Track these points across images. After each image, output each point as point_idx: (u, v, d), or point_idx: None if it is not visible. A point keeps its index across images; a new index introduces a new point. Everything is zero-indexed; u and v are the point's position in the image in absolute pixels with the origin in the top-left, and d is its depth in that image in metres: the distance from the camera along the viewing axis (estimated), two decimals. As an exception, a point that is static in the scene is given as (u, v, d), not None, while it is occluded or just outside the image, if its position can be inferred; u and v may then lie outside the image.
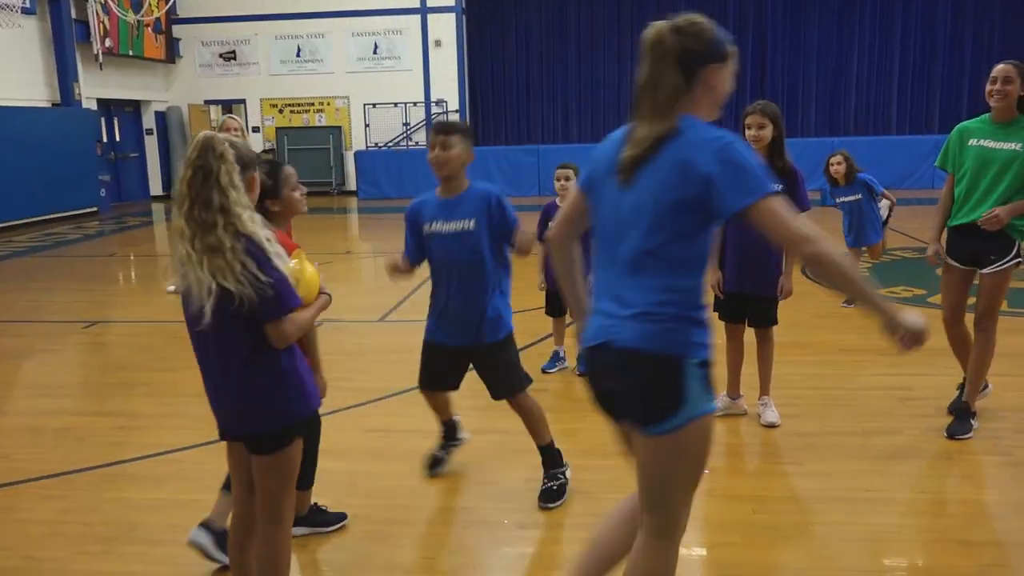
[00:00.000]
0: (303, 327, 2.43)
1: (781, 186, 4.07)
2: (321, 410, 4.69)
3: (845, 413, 4.55)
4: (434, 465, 3.93)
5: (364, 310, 7.19)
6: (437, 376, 3.74)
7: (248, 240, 2.25)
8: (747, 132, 4.25)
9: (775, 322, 4.51)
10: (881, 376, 5.13)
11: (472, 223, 3.46)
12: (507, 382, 3.59)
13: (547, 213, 5.06)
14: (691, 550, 3.17)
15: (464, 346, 3.56)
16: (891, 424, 4.36)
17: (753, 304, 4.44)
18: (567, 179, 5.00)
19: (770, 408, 4.48)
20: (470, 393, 5.13)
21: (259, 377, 2.36)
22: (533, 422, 3.64)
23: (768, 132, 4.23)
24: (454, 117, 18.98)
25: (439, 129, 3.55)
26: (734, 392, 4.62)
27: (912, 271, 8.38)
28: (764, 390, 4.54)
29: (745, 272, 4.32)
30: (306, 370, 2.52)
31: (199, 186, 2.25)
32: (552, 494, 3.59)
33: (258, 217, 2.34)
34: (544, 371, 5.33)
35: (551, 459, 3.66)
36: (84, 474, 3.99)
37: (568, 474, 3.67)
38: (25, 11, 13.89)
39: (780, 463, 3.96)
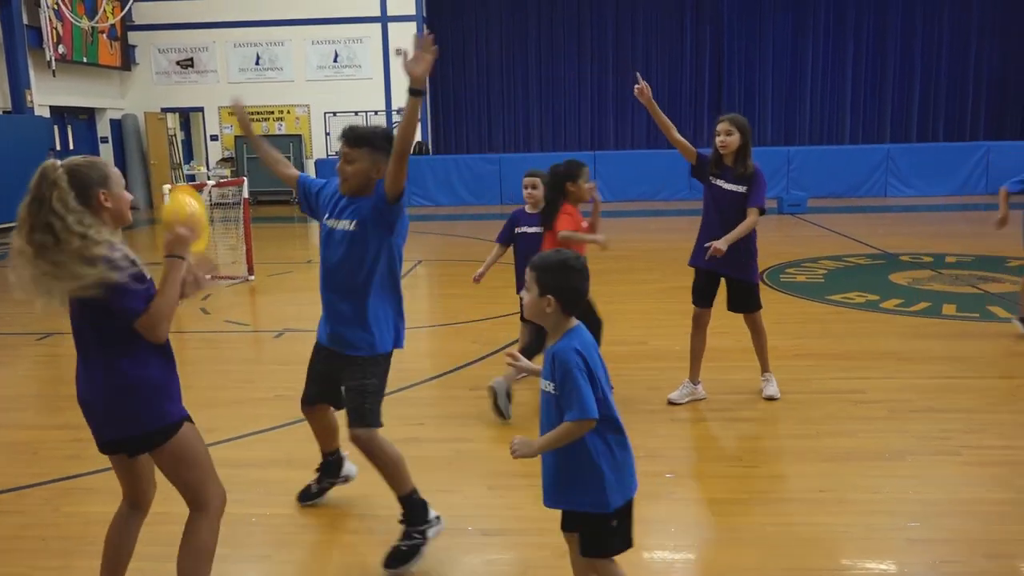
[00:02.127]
0: (161, 316, 2.41)
1: (744, 187, 4.60)
2: (281, 422, 4.70)
3: (800, 416, 4.65)
4: (306, 497, 3.69)
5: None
6: (316, 385, 3.43)
7: (83, 259, 2.33)
8: (716, 138, 4.65)
9: (759, 306, 4.88)
10: (835, 380, 5.25)
11: (354, 224, 3.22)
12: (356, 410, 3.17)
13: (514, 219, 5.12)
14: (652, 553, 3.22)
15: (333, 350, 3.24)
16: (844, 426, 4.47)
17: (734, 288, 4.82)
18: (534, 187, 5.02)
19: (771, 384, 4.92)
20: (432, 401, 5.17)
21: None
22: (386, 468, 3.18)
23: (735, 139, 4.63)
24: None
25: (343, 138, 3.28)
26: (695, 378, 4.90)
27: (865, 277, 8.57)
28: (765, 367, 4.99)
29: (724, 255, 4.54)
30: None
31: (35, 212, 2.40)
32: (399, 556, 3.10)
33: (96, 235, 2.40)
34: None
35: (412, 513, 3.18)
36: (40, 488, 3.92)
37: (430, 533, 3.18)
38: (-25, 17, 13.59)
39: (737, 465, 4.04)
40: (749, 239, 4.68)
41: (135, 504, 2.72)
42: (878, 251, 10.10)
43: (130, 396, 2.46)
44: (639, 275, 8.89)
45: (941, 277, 8.43)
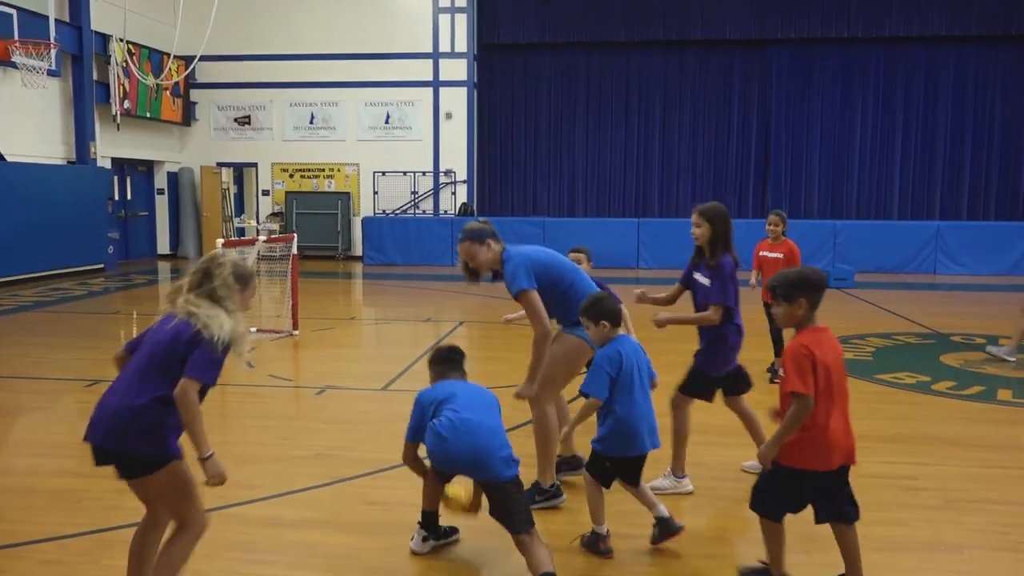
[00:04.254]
0: (190, 407, 2.88)
1: (705, 277, 4.59)
2: (321, 481, 4.68)
3: (850, 501, 4.49)
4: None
5: (367, 378, 7.16)
6: None
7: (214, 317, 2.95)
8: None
9: (701, 396, 4.72)
10: (886, 464, 5.09)
11: None
12: None
13: None
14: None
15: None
16: (896, 515, 4.31)
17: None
18: (578, 263, 5.06)
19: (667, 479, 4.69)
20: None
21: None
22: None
23: (703, 231, 4.58)
24: (462, 187, 19.28)
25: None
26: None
27: (915, 357, 8.37)
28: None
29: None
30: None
31: (199, 280, 3.06)
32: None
33: (235, 309, 3.04)
34: None
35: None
36: (81, 539, 3.94)
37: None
38: (51, 73, 14.25)
39: (787, 552, 3.90)
40: (720, 333, 4.55)
41: (155, 519, 3.13)
42: (928, 330, 9.88)
43: (154, 421, 2.90)
44: (679, 344, 8.79)
45: (995, 360, 8.19)
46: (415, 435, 3.69)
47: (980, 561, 3.82)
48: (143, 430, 2.89)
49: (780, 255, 7.25)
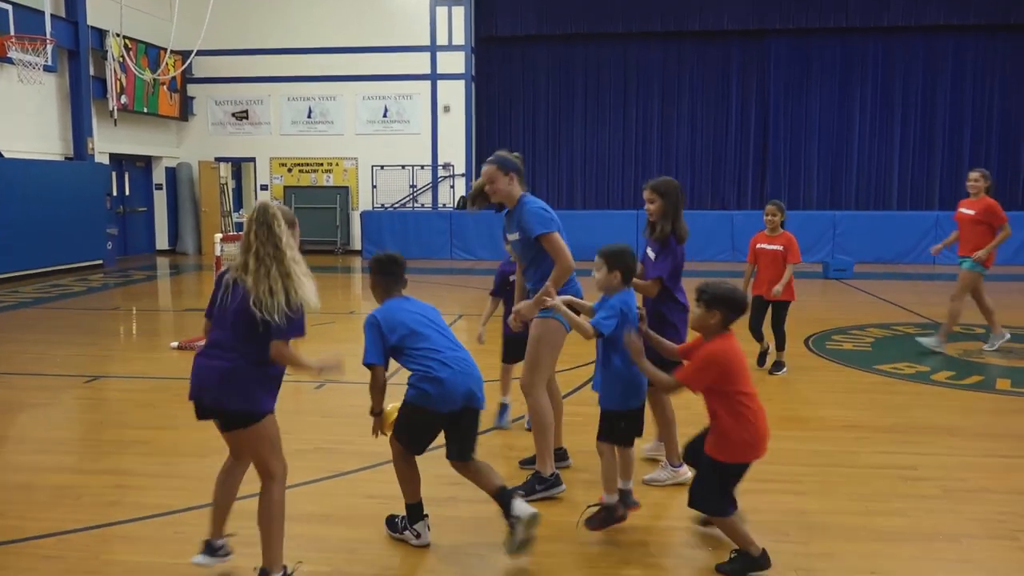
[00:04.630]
0: (290, 359, 3.23)
1: (653, 251, 4.65)
2: (322, 475, 4.69)
3: (849, 491, 4.51)
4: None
5: (366, 372, 7.15)
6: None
7: (287, 277, 3.18)
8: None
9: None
10: (885, 454, 5.10)
11: None
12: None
13: (503, 271, 5.58)
14: (695, 631, 3.11)
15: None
16: (895, 504, 4.32)
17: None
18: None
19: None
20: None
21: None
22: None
23: (657, 206, 4.67)
24: (460, 181, 19.25)
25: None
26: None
27: (914, 347, 8.37)
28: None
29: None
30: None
31: (264, 236, 3.20)
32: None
33: (299, 256, 3.28)
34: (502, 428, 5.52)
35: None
36: (82, 534, 3.95)
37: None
38: (47, 68, 14.22)
39: (785, 541, 3.91)
40: (658, 309, 4.53)
41: (237, 458, 3.50)
42: (927, 320, 9.89)
43: (244, 381, 3.20)
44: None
45: (994, 350, 8.20)
46: (381, 357, 3.69)
47: (979, 550, 3.83)
48: (234, 390, 3.18)
49: (779, 247, 7.01)
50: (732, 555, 3.61)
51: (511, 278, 5.27)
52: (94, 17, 16.10)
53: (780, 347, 7.20)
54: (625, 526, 3.98)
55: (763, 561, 3.53)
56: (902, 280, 14.19)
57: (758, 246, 7.18)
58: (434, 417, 3.69)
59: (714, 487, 3.56)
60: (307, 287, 3.20)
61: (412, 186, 19.36)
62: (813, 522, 4.11)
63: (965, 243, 7.97)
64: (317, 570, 3.62)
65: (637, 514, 4.07)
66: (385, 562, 3.70)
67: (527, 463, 4.69)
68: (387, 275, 3.87)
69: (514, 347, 5.37)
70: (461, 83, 19.08)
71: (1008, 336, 8.13)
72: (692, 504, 3.66)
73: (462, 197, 19.13)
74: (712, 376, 3.48)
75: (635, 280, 4.28)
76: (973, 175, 7.81)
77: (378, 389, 3.75)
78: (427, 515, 3.87)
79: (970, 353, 8.07)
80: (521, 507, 3.59)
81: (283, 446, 3.91)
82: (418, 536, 3.82)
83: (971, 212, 7.71)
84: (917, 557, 3.75)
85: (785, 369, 7.18)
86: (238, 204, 20.85)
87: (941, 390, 6.71)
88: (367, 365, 3.68)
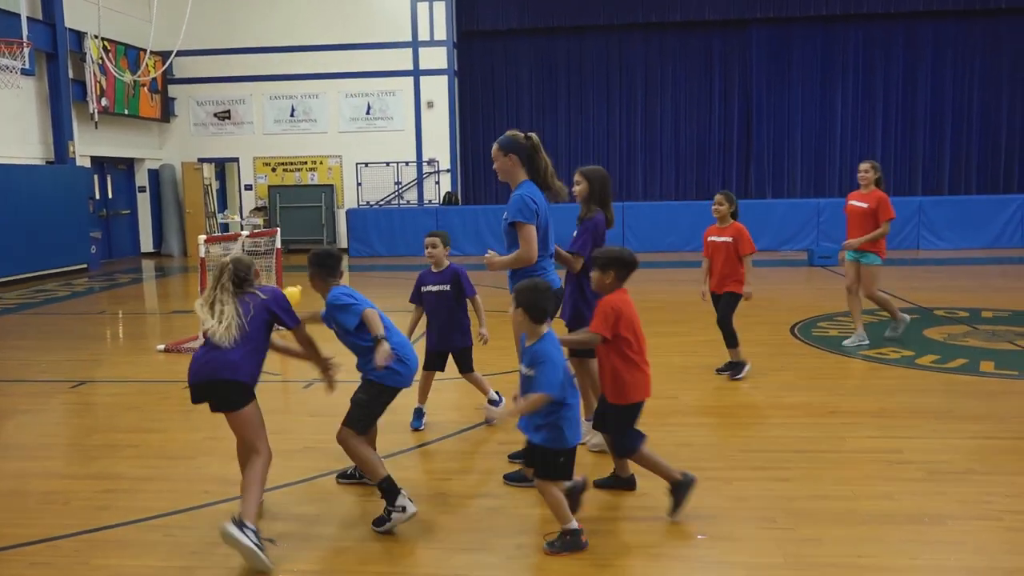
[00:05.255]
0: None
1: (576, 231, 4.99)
2: (311, 474, 4.69)
3: (835, 476, 4.55)
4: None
5: (354, 370, 7.15)
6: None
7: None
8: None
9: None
10: (871, 439, 5.15)
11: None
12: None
13: (421, 280, 5.58)
14: (685, 619, 3.14)
15: None
16: (881, 488, 4.36)
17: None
18: (433, 247, 5.48)
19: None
20: (458, 456, 5.14)
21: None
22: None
23: (583, 188, 5.12)
24: (446, 177, 19.22)
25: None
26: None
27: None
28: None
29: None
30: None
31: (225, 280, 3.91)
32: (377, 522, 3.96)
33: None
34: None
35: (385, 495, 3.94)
36: (71, 540, 3.93)
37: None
38: (25, 72, 14.08)
39: (772, 527, 3.95)
40: (579, 282, 4.83)
41: (246, 446, 3.87)
42: (912, 305, 9.96)
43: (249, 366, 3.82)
44: (668, 327, 8.85)
45: (978, 333, 8.28)
46: (367, 301, 4.05)
47: (964, 531, 3.87)
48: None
49: (729, 239, 6.56)
50: (669, 489, 4.02)
51: (423, 288, 5.52)
52: (72, 19, 15.96)
53: (730, 344, 6.68)
54: (616, 515, 4.00)
55: (687, 483, 4.02)
56: (887, 266, 14.24)
57: (709, 239, 6.76)
58: (393, 395, 4.04)
59: (624, 430, 4.08)
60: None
61: (397, 183, 19.32)
62: (800, 508, 4.14)
63: (854, 236, 7.67)
64: (308, 569, 3.62)
65: (630, 504, 4.09)
66: (376, 560, 3.71)
67: (516, 457, 4.71)
68: (323, 267, 4.16)
69: (436, 360, 5.55)
70: (444, 78, 19.05)
71: (866, 339, 7.82)
72: (619, 454, 4.20)
73: (448, 192, 19.11)
74: (613, 321, 3.95)
75: (560, 251, 4.87)
76: (864, 166, 7.56)
77: (378, 320, 3.96)
78: (402, 489, 3.91)
79: (954, 336, 8.14)
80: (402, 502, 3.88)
81: (273, 446, 3.91)
82: (404, 510, 3.86)
83: (864, 205, 7.41)
84: (903, 540, 3.78)
85: (746, 369, 6.67)
86: (223, 205, 20.75)
87: (926, 374, 6.77)
88: (363, 312, 3.95)
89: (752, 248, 6.60)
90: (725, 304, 6.65)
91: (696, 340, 8.01)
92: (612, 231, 5.24)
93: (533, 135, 4.80)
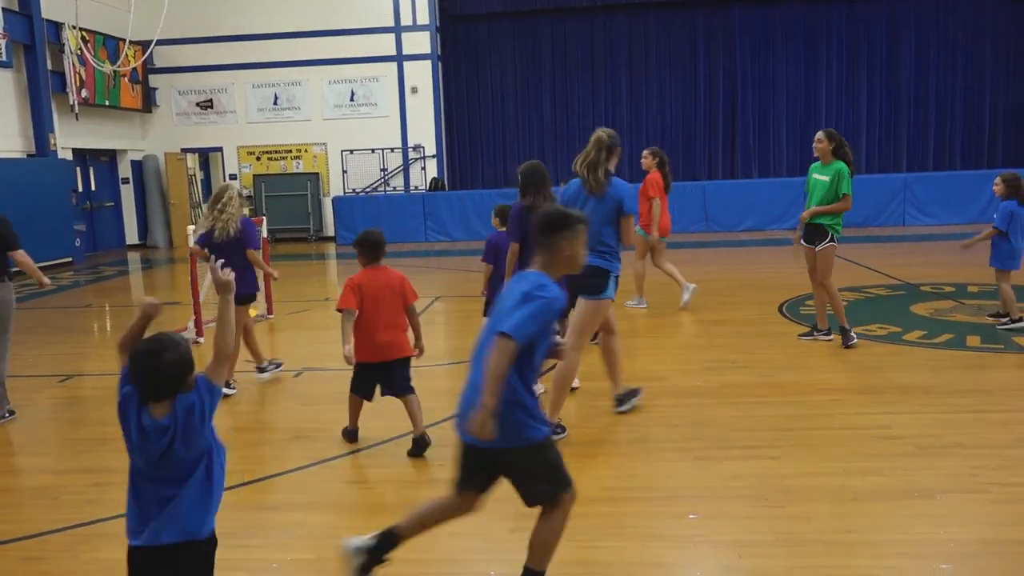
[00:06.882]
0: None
1: None
2: (303, 462, 4.68)
3: (825, 453, 4.58)
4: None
5: (342, 358, 7.14)
6: None
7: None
8: None
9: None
10: (859, 415, 5.18)
11: None
12: None
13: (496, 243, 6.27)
14: (677, 598, 3.16)
15: None
16: (870, 464, 4.39)
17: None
18: None
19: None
20: (452, 441, 5.13)
21: None
22: None
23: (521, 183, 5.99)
24: (432, 162, 19.13)
25: None
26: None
27: (886, 309, 8.48)
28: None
29: None
30: None
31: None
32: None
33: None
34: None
35: None
36: (61, 534, 3.92)
37: None
38: (2, 64, 13.91)
39: (762, 505, 3.97)
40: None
41: None
42: (898, 281, 10.02)
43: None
44: (656, 309, 8.86)
45: (964, 308, 8.33)
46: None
47: (953, 504, 3.91)
48: None
49: (826, 178, 6.95)
50: (415, 437, 4.69)
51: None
52: (48, 10, 15.71)
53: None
54: (606, 496, 4.01)
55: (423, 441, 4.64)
56: (872, 243, 14.34)
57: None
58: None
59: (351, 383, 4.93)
60: None
61: (383, 169, 19.22)
62: (790, 485, 4.17)
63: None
64: (301, 557, 3.63)
65: (621, 485, 4.10)
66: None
67: None
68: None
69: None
70: (428, 63, 18.92)
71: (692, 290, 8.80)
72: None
73: (434, 178, 19.03)
74: (354, 295, 4.78)
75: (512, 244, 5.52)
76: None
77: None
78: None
79: (941, 312, 8.18)
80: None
81: (264, 436, 3.89)
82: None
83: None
84: (893, 514, 3.82)
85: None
86: (208, 195, 20.57)
87: (913, 350, 6.81)
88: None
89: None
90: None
91: (680, 320, 8.02)
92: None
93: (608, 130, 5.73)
